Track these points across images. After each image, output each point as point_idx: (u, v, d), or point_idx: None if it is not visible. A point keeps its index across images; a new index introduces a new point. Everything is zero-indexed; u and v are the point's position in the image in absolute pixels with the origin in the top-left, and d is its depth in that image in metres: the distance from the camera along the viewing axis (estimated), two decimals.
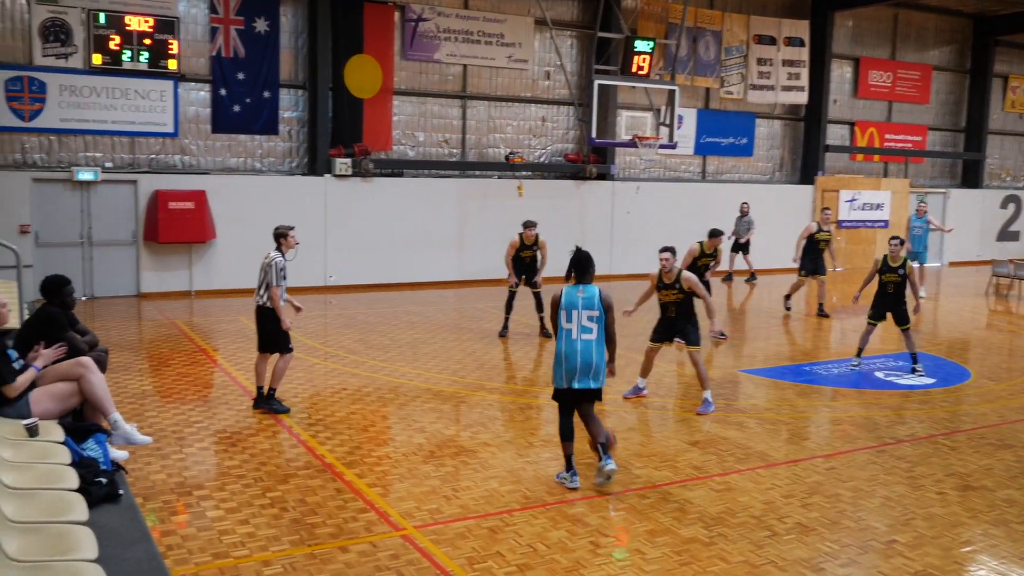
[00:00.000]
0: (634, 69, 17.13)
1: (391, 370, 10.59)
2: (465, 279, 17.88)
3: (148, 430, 7.79)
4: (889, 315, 11.19)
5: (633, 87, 17.86)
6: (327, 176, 16.52)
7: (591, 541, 5.93)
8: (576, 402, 6.81)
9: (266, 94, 16.23)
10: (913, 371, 11.01)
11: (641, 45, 17.07)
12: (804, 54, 21.81)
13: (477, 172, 18.46)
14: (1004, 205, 26.47)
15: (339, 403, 9.08)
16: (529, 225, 12.45)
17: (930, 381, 10.80)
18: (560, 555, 5.70)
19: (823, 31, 21.87)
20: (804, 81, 21.94)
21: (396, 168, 17.49)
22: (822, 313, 15.02)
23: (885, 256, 11.16)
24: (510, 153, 18.69)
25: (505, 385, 10.16)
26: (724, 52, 20.85)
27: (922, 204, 18.52)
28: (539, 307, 12.75)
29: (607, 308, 6.77)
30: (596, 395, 6.81)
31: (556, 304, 6.83)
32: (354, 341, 12.17)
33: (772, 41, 21.42)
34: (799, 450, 8.06)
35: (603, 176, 19.38)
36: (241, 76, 15.96)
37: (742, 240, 19.03)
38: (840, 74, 23.28)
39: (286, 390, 9.28)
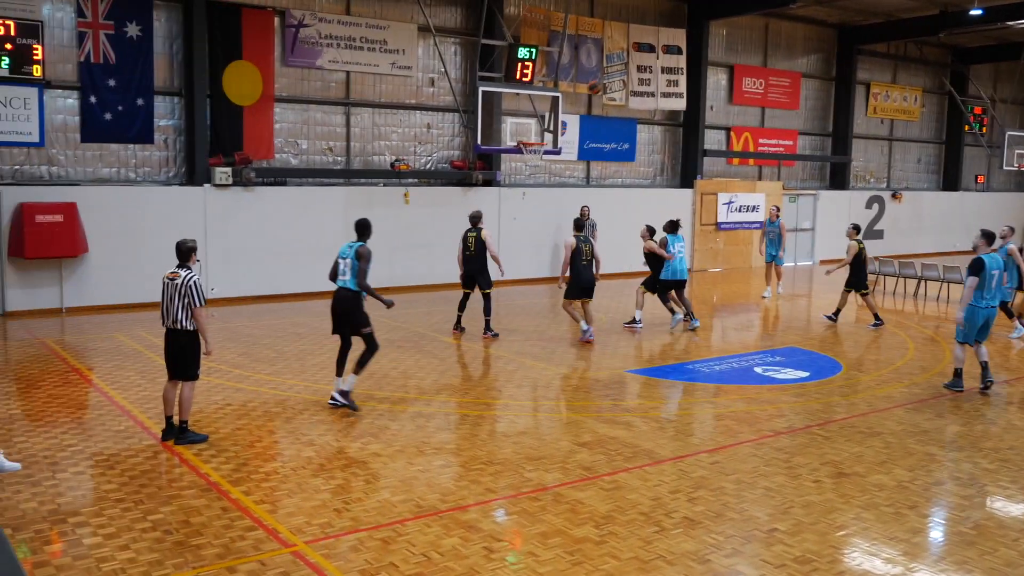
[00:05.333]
0: (518, 76, 17.31)
1: (277, 383, 10.35)
2: None
3: (16, 456, 7.42)
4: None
5: (517, 94, 18.04)
6: (207, 186, 16.01)
7: (484, 546, 5.95)
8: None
9: (140, 101, 15.60)
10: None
11: (524, 52, 17.27)
12: (682, 61, 22.52)
13: (362, 180, 18.25)
14: (869, 205, 28.04)
15: (223, 419, 8.81)
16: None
17: (804, 374, 11.33)
18: (454, 562, 5.70)
19: (699, 40, 22.64)
20: (682, 88, 22.65)
21: (279, 177, 17.11)
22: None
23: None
24: (396, 160, 18.57)
25: (395, 393, 10.08)
26: (605, 59, 21.31)
27: (773, 209, 19.31)
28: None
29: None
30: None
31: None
32: (238, 355, 11.82)
33: (651, 49, 22.04)
34: (684, 446, 8.30)
35: (489, 182, 19.49)
36: (112, 83, 15.29)
37: None
38: (716, 81, 24.16)
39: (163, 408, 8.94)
